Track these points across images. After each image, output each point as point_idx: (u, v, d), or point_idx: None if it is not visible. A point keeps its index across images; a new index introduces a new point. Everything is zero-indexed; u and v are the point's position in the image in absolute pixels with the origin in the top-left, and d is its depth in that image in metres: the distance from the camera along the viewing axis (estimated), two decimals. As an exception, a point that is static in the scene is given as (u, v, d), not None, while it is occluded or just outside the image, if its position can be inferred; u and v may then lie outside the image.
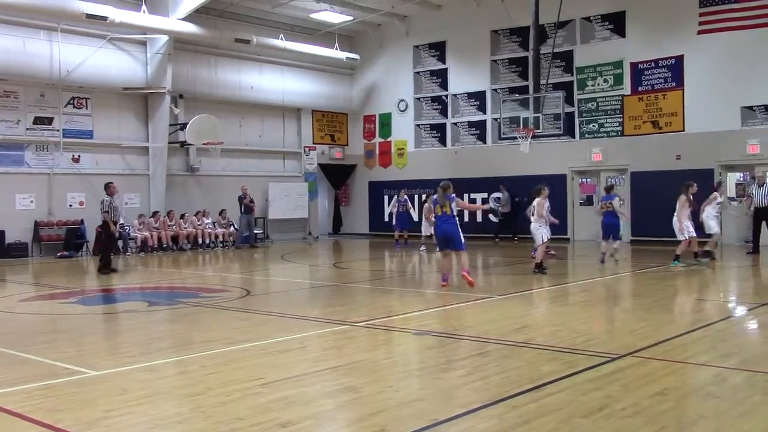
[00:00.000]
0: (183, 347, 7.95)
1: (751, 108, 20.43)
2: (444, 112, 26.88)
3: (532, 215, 14.45)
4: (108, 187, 16.00)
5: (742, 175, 21.27)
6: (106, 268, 15.81)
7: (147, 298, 12.51)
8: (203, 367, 6.74)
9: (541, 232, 14.28)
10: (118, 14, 20.06)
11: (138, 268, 17.91)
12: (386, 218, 28.32)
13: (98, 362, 7.03)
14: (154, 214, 22.16)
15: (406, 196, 23.40)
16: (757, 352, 7.33)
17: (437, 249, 13.95)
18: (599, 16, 23.10)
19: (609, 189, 16.78)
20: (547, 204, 14.58)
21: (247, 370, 6.59)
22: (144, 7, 21.15)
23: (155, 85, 22.66)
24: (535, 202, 14.44)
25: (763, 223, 18.05)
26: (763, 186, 18.06)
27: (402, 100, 27.98)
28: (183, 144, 23.31)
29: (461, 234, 12.35)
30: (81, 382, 6.31)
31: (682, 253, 15.15)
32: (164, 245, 21.82)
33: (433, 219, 13.06)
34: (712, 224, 16.02)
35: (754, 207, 18.15)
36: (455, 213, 12.33)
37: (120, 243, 21.12)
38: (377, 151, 28.95)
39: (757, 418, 5.02)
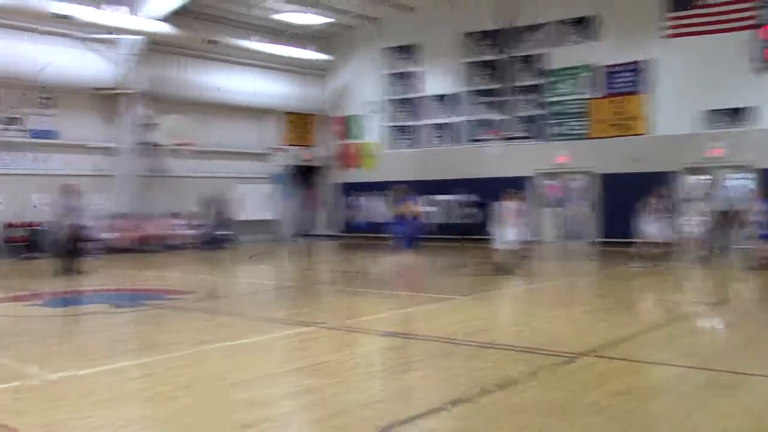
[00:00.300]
0: (148, 349, 7.92)
1: (713, 112, 20.79)
2: (414, 114, 26.98)
3: (500, 218, 14.51)
4: (63, 190, 15.58)
5: (705, 178, 21.61)
6: (66, 271, 15.34)
7: (112, 300, 12.39)
8: (168, 369, 6.73)
9: (506, 234, 14.32)
10: (89, 14, 19.82)
11: (104, 270, 17.73)
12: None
13: (63, 364, 6.97)
14: (122, 215, 21.93)
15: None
16: (712, 350, 7.49)
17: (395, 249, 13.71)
18: (570, 21, 23.34)
19: None
20: (521, 207, 14.69)
21: (211, 371, 6.60)
22: (116, 7, 20.92)
23: (125, 85, 22.43)
24: (503, 206, 14.53)
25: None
26: (724, 189, 18.38)
27: (373, 102, 28.02)
28: (152, 145, 23.11)
29: (417, 235, 12.72)
30: (45, 385, 6.27)
31: (643, 255, 15.40)
32: (131, 247, 21.61)
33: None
34: (689, 230, 16.16)
35: (719, 210, 18.43)
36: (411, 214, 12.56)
37: (86, 245, 20.93)
38: (348, 153, 28.96)
39: (712, 414, 5.14)
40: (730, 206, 17.20)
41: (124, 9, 20.93)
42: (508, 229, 14.46)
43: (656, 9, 21.59)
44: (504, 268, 14.21)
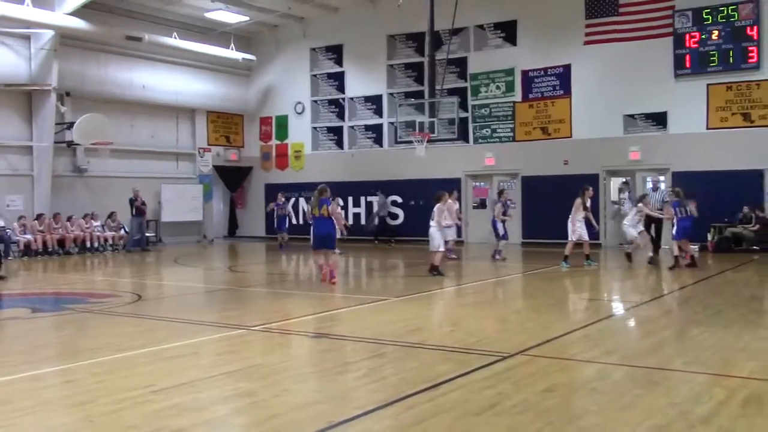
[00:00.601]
0: (69, 355, 7.66)
1: (632, 116, 21.49)
2: (341, 115, 26.96)
3: (432, 220, 14.60)
4: None
5: (624, 179, 22.29)
6: None
7: (30, 304, 11.94)
8: (92, 374, 6.52)
9: (438, 236, 14.48)
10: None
11: (21, 273, 17.08)
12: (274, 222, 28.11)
13: (-23, 372, 6.67)
14: (39, 216, 21.15)
15: (284, 199, 24.41)
16: (637, 348, 7.73)
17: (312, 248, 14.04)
18: (492, 25, 23.74)
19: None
20: (455, 207, 14.91)
21: (137, 377, 6.41)
22: (28, 0, 20.25)
23: (40, 81, 21.67)
24: (435, 208, 14.62)
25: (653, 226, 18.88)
26: (656, 191, 18.93)
27: (299, 103, 27.87)
28: (70, 144, 22.40)
29: (335, 235, 13.40)
30: (-42, 394, 5.98)
31: (570, 254, 15.79)
32: (49, 249, 20.88)
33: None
34: (631, 231, 16.59)
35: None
36: (330, 215, 13.11)
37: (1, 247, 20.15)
38: (274, 154, 28.72)
39: (637, 409, 5.29)
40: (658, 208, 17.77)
41: (27, 2, 20.21)
42: (442, 230, 14.63)
43: (575, 15, 22.15)
44: (438, 269, 14.28)
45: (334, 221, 13.38)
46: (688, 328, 8.73)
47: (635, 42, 21.31)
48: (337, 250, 16.11)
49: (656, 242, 17.96)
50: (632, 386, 6.00)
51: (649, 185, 19.11)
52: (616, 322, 9.83)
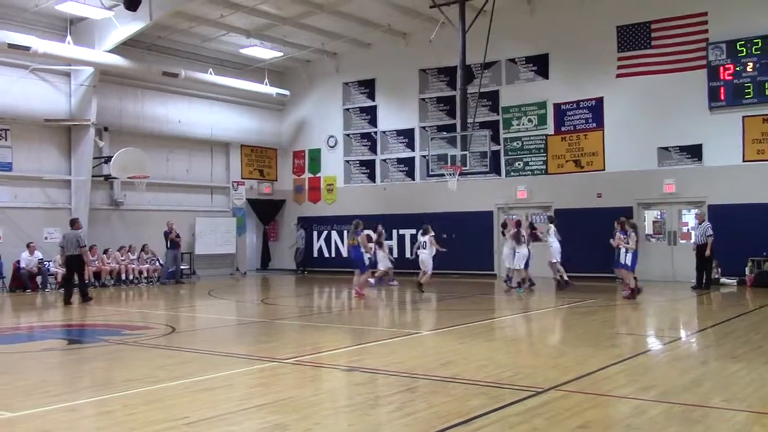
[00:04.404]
0: (105, 386, 7.73)
1: (666, 149, 21.31)
2: (373, 149, 27.13)
3: (425, 248, 18.39)
4: (76, 223, 17.33)
5: (659, 213, 22.07)
6: (86, 297, 16.90)
7: (67, 335, 12.11)
8: (126, 406, 6.57)
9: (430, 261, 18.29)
10: (42, 45, 19.64)
11: (58, 304, 17.33)
12: (315, 254, 28.27)
13: (15, 403, 6.75)
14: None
15: (302, 231, 27.49)
16: (674, 384, 7.57)
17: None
18: (523, 58, 23.82)
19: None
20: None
21: (171, 409, 6.45)
22: (69, 38, 20.81)
23: (79, 117, 22.18)
24: (426, 238, 18.39)
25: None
26: (701, 223, 18.83)
27: (331, 136, 28.12)
28: (107, 177, 22.82)
29: (365, 261, 17.61)
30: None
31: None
32: (86, 281, 21.12)
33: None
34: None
35: (695, 244, 18.86)
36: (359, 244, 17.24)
37: (39, 279, 20.50)
38: (306, 187, 28.95)
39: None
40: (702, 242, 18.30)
41: (69, 40, 20.77)
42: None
43: (607, 48, 22.14)
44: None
45: (362, 249, 17.18)
46: (727, 364, 8.55)
47: (668, 75, 21.20)
48: (394, 281, 20.20)
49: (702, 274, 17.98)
50: (669, 423, 5.89)
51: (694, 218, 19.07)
52: (653, 357, 9.66)
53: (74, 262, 16.91)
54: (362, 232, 17.48)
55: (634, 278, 16.38)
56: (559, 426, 5.75)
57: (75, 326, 13.40)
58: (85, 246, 17.29)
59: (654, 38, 21.50)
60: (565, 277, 18.68)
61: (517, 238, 18.18)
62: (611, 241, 17.17)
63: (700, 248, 18.50)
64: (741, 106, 20.20)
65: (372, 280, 19.64)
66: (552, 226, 18.79)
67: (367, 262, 18.07)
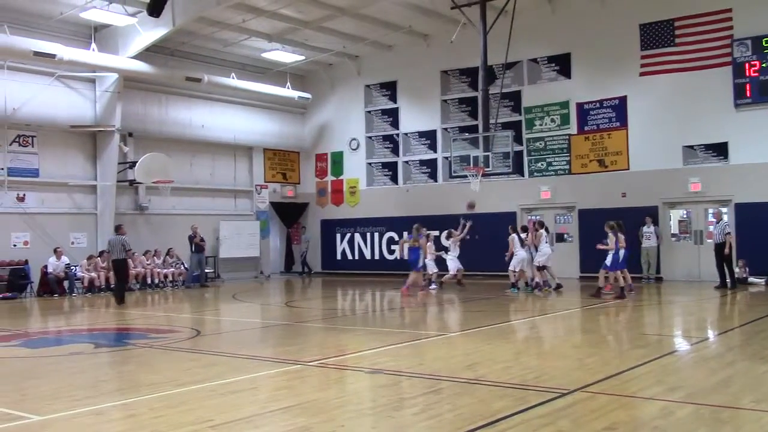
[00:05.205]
0: (131, 390, 7.79)
1: (692, 147, 21.08)
2: (395, 151, 27.13)
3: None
4: (120, 229, 18.20)
5: (685, 212, 21.84)
6: (123, 300, 17.60)
7: (94, 339, 12.23)
8: (151, 409, 6.62)
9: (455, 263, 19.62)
10: (66, 52, 19.87)
11: (85, 308, 17.52)
12: (339, 256, 28.34)
13: (42, 407, 6.83)
14: (101, 253, 21.73)
15: (308, 235, 28.90)
16: (702, 385, 7.47)
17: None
18: (545, 58, 23.70)
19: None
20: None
21: (196, 412, 6.48)
22: (93, 45, 21.04)
23: (104, 123, 22.41)
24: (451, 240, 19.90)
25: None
26: (719, 222, 18.66)
27: (354, 139, 28.16)
28: (132, 182, 23.04)
29: (420, 261, 19.04)
30: (24, 428, 6.13)
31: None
32: (112, 286, 21.33)
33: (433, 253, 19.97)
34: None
35: (714, 243, 18.69)
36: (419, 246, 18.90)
37: (66, 284, 20.73)
38: (329, 189, 29.01)
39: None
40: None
41: (93, 47, 21.01)
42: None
43: (630, 47, 21.96)
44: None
45: (420, 251, 18.92)
46: (756, 364, 8.43)
47: (693, 72, 20.99)
48: (433, 286, 19.67)
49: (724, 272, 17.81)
50: (698, 425, 5.81)
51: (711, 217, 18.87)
52: (680, 357, 9.55)
53: (119, 266, 17.92)
54: (424, 236, 19.17)
55: (623, 278, 16.62)
56: (585, 428, 5.70)
57: (102, 330, 13.53)
58: (131, 250, 18.56)
59: (678, 35, 21.29)
60: (551, 283, 18.37)
61: (522, 241, 18.50)
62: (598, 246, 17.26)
63: (718, 247, 18.31)
64: (767, 102, 19.93)
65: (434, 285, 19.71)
66: (543, 231, 18.50)
67: (420, 263, 19.08)
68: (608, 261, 16.54)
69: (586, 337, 11.49)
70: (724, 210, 20.30)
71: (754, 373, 7.89)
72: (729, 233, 18.24)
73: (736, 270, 19.40)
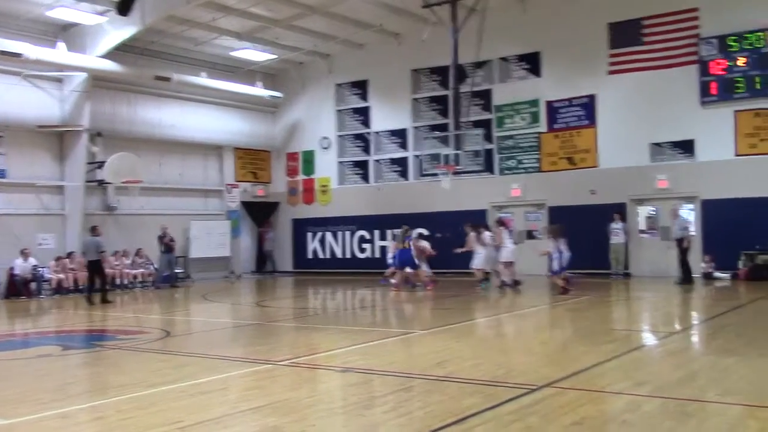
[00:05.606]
0: (98, 392, 7.72)
1: (659, 145, 21.35)
2: (366, 150, 27.13)
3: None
4: (95, 230, 18.39)
5: (653, 208, 22.10)
6: (107, 300, 17.78)
7: (61, 341, 12.08)
8: (119, 411, 6.56)
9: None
10: (33, 51, 19.58)
11: (53, 310, 17.31)
12: (310, 255, 28.29)
13: (7, 410, 6.72)
14: (69, 254, 21.46)
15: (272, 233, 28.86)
16: (669, 378, 7.58)
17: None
18: (516, 57, 23.83)
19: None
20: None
21: (165, 413, 6.43)
22: (61, 44, 20.76)
23: (72, 122, 22.12)
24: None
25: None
26: (677, 218, 18.95)
27: (325, 138, 28.10)
28: (101, 183, 22.76)
29: (413, 260, 18.87)
30: (-10, 432, 6.05)
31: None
32: (80, 287, 21.10)
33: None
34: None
35: (674, 238, 18.95)
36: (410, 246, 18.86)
37: (34, 285, 20.45)
38: (300, 189, 28.92)
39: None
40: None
41: (61, 46, 20.76)
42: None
43: (599, 46, 22.17)
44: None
45: (413, 251, 18.82)
46: (721, 358, 8.58)
47: (660, 71, 21.24)
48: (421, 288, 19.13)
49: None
50: (664, 418, 5.90)
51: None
52: (647, 352, 9.68)
53: (94, 268, 18.07)
54: (412, 237, 19.46)
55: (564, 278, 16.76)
56: (554, 423, 5.76)
57: (70, 332, 13.37)
58: (105, 251, 18.55)
59: (645, 34, 21.53)
60: (508, 281, 18.30)
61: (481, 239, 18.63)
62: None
63: (679, 242, 18.60)
64: (732, 100, 20.24)
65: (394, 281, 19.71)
66: (503, 228, 18.62)
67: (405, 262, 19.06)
68: (554, 266, 16.77)
69: (554, 333, 11.60)
70: (690, 207, 20.65)
71: (719, 367, 8.02)
72: (686, 228, 18.58)
73: (702, 266, 19.75)
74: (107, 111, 23.39)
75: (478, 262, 18.59)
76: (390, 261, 20.48)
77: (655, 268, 21.10)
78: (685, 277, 18.52)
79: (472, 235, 18.72)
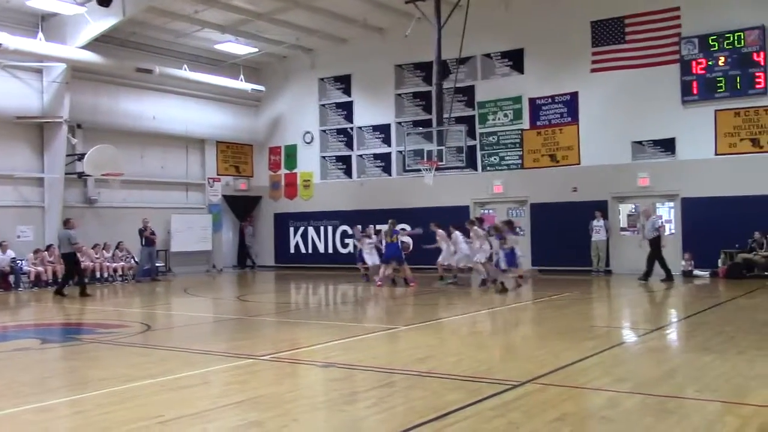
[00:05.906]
0: (78, 386, 7.65)
1: (640, 143, 21.49)
2: (349, 144, 27.08)
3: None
4: (68, 222, 18.17)
5: (634, 206, 22.25)
6: (84, 292, 17.65)
7: (40, 335, 11.97)
8: (99, 405, 6.51)
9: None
10: (12, 41, 19.35)
11: (31, 303, 17.14)
12: (292, 250, 28.21)
13: (-14, 404, 6.67)
14: (48, 247, 21.26)
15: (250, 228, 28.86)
16: (648, 375, 7.64)
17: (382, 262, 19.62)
18: (499, 53, 23.89)
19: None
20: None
21: (146, 408, 6.39)
22: (40, 34, 20.54)
23: (51, 114, 21.89)
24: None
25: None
26: (649, 219, 19.08)
27: (308, 132, 28.03)
28: (81, 175, 22.56)
29: (401, 254, 19.27)
30: (-34, 426, 5.98)
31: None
32: (59, 280, 20.89)
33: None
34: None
35: (647, 239, 19.05)
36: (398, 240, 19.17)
37: (12, 278, 20.24)
38: (283, 183, 28.83)
39: None
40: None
41: (40, 36, 20.54)
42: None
43: (582, 43, 22.27)
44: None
45: (399, 245, 19.24)
46: (700, 355, 8.65)
47: (642, 69, 21.38)
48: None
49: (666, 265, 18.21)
50: (644, 415, 5.94)
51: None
52: (628, 349, 9.75)
53: (67, 260, 18.01)
54: (399, 231, 19.54)
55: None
56: (536, 419, 5.78)
57: (49, 325, 13.25)
58: (77, 243, 18.01)
59: (628, 33, 21.66)
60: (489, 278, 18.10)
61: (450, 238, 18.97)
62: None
63: (653, 242, 18.69)
64: (713, 100, 20.43)
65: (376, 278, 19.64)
66: (477, 228, 18.35)
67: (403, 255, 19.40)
68: (502, 264, 16.85)
69: (536, 330, 11.65)
70: (671, 204, 20.83)
71: (698, 364, 8.09)
72: (658, 228, 18.72)
73: (682, 263, 19.94)
74: (88, 102, 23.18)
75: (442, 258, 19.14)
76: (365, 257, 20.62)
77: (636, 266, 21.20)
78: (647, 274, 18.66)
79: (440, 232, 19.18)
